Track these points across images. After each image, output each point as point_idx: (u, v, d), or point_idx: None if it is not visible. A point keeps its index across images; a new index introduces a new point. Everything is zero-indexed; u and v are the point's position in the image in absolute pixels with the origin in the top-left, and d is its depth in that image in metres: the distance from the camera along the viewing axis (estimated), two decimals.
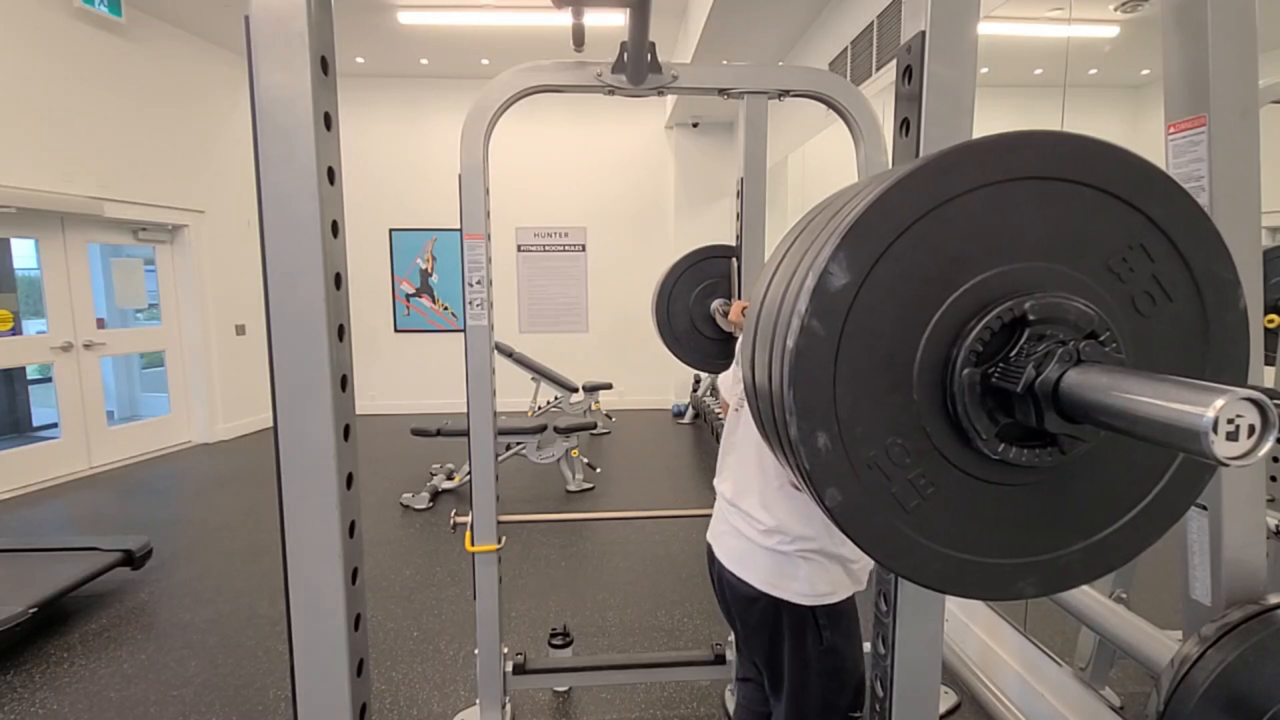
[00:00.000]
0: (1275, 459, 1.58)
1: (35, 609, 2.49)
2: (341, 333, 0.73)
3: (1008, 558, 0.51)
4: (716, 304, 2.09)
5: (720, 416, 4.17)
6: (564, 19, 1.38)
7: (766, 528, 1.31)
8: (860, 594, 1.37)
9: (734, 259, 1.99)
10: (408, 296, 7.19)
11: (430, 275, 7.17)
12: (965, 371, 0.48)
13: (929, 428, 0.49)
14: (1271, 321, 1.49)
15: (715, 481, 1.51)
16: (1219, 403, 0.36)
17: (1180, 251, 0.50)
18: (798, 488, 1.27)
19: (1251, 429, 0.36)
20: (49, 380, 4.93)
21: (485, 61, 6.31)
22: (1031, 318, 0.47)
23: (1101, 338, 0.47)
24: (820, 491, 0.48)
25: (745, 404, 1.43)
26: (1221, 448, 0.36)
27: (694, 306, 2.10)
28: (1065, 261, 0.49)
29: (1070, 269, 0.49)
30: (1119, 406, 0.41)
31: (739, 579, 1.35)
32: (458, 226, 1.75)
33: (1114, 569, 0.53)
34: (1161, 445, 0.39)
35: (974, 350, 0.48)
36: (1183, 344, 0.51)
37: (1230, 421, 0.36)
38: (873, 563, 1.36)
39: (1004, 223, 0.48)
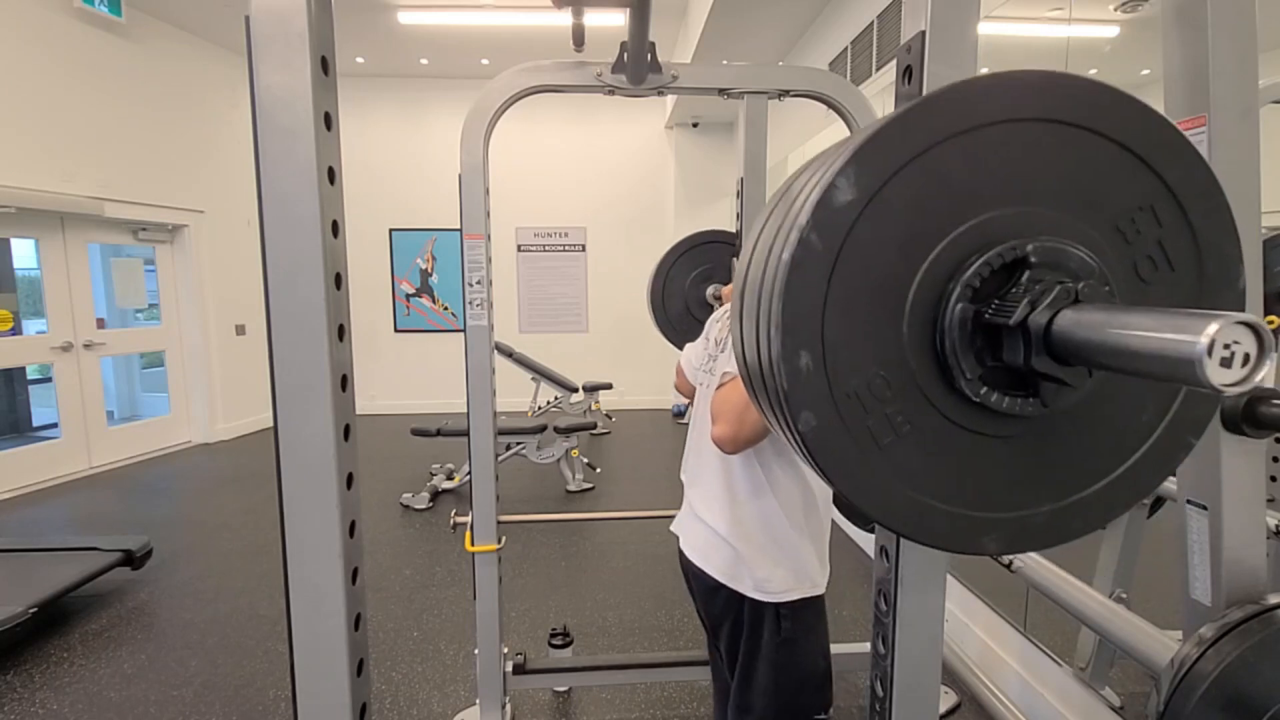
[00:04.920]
0: (1275, 459, 1.58)
1: (35, 609, 2.49)
2: (341, 333, 0.73)
3: (974, 510, 0.51)
4: (711, 289, 2.07)
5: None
6: (564, 19, 1.38)
7: (727, 519, 1.30)
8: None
9: (734, 256, 1.99)
10: (408, 296, 7.19)
11: (430, 275, 7.17)
12: (959, 306, 0.47)
13: (914, 364, 0.48)
14: (1272, 322, 1.49)
15: (681, 472, 1.50)
16: (1213, 328, 0.35)
17: (1190, 221, 0.49)
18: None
19: (1247, 357, 0.35)
20: (49, 380, 4.93)
21: (485, 61, 6.31)
22: (1033, 260, 0.46)
23: (1105, 289, 0.47)
24: (794, 414, 0.47)
25: (706, 388, 1.40)
26: (1216, 374, 0.35)
27: (689, 290, 2.09)
28: (1076, 213, 0.48)
29: (1079, 221, 0.48)
30: (1112, 342, 0.40)
31: (701, 570, 1.34)
32: (458, 226, 1.75)
33: (1076, 537, 0.53)
34: (1157, 378, 0.39)
35: (970, 285, 0.47)
36: None
37: (1226, 347, 0.35)
38: (828, 567, 1.35)
39: (1023, 163, 0.47)
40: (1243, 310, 0.50)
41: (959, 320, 0.47)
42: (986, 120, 0.46)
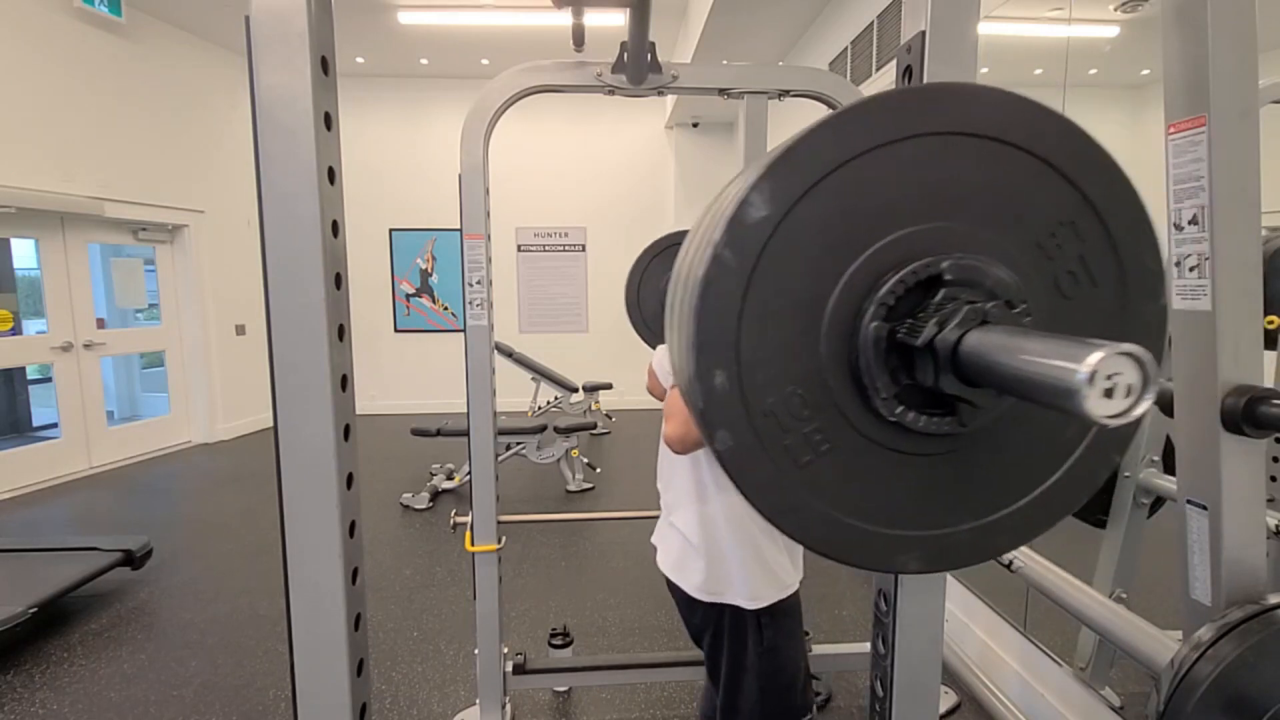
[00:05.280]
0: (1275, 459, 1.58)
1: (35, 609, 2.48)
2: (341, 333, 0.73)
3: (894, 529, 0.50)
4: None
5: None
6: (564, 19, 1.38)
7: (696, 521, 1.30)
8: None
9: None
10: (408, 296, 7.19)
11: (430, 275, 7.17)
12: (872, 325, 0.47)
13: (832, 382, 0.48)
14: (1271, 323, 1.49)
15: (657, 480, 1.49)
16: (1094, 358, 0.34)
17: (1111, 235, 0.49)
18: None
19: (1130, 388, 0.35)
20: (49, 380, 4.93)
21: (485, 61, 6.31)
22: (948, 278, 0.46)
23: (1017, 308, 0.46)
24: (711, 433, 0.47)
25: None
26: (1098, 406, 0.35)
27: (666, 290, 2.06)
28: (996, 228, 0.48)
29: (1000, 237, 0.48)
30: (1009, 367, 0.40)
31: (676, 585, 1.34)
32: (458, 226, 1.75)
33: (999, 555, 0.52)
34: (1047, 406, 0.38)
35: (884, 304, 0.46)
36: (1100, 331, 0.49)
37: (1109, 378, 0.35)
38: (800, 567, 1.34)
39: (941, 178, 0.47)
40: (1164, 325, 0.50)
41: (873, 339, 0.47)
42: (901, 134, 0.46)
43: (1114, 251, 0.49)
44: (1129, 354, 0.35)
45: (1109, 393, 0.35)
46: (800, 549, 1.34)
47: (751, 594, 1.26)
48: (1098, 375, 0.34)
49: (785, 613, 1.30)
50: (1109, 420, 0.35)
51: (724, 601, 1.27)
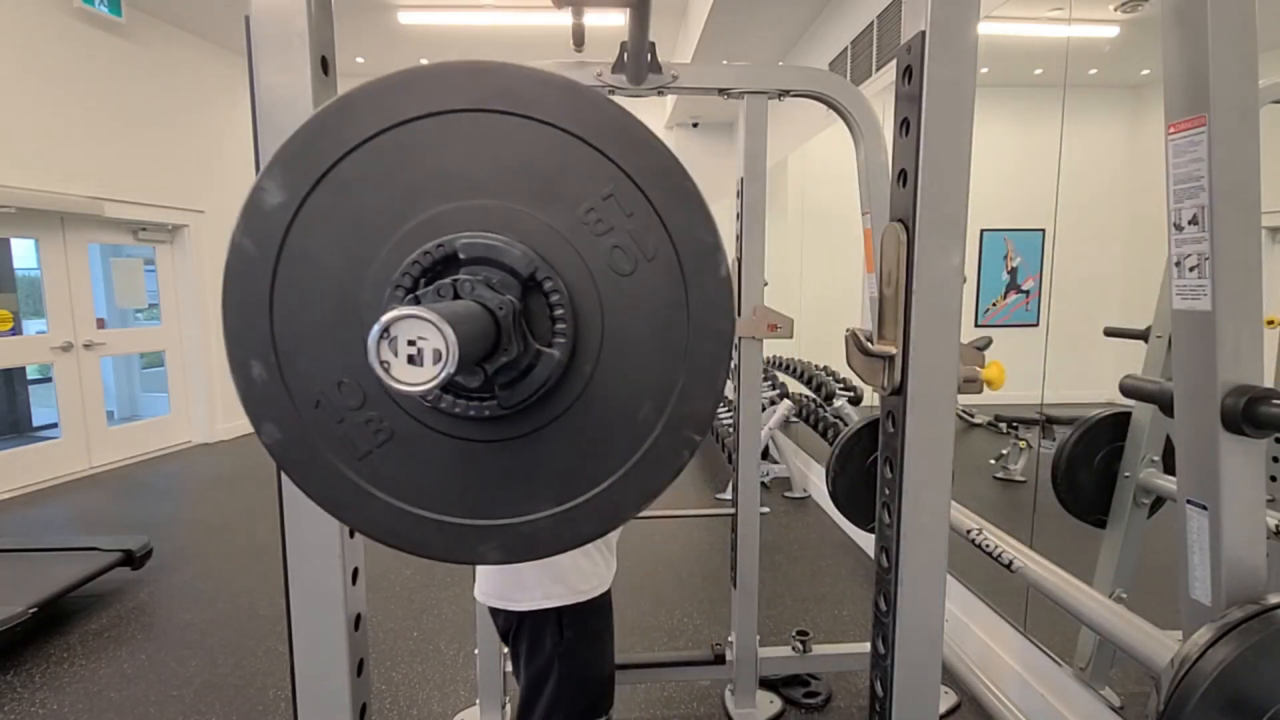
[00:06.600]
0: (1275, 459, 1.58)
1: (35, 609, 2.48)
2: None
3: (469, 519, 0.49)
4: None
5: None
6: (564, 19, 1.38)
7: None
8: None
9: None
10: None
11: None
12: (390, 308, 0.46)
13: None
14: (1271, 323, 1.49)
15: None
16: (389, 315, 0.33)
17: (656, 210, 0.47)
18: None
19: (438, 353, 0.33)
20: (49, 380, 4.93)
21: None
22: (462, 256, 0.44)
23: (546, 286, 0.45)
24: (257, 426, 0.46)
25: None
26: (402, 373, 0.33)
27: None
28: (531, 205, 0.46)
29: (539, 213, 0.46)
30: None
31: (481, 597, 1.31)
32: None
33: (585, 542, 0.50)
34: None
35: (401, 285, 0.44)
36: (665, 306, 0.47)
37: (412, 344, 0.33)
38: (614, 563, 1.30)
39: (468, 156, 0.45)
40: (729, 298, 0.47)
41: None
42: (415, 113, 0.44)
43: (663, 225, 0.47)
44: (420, 317, 0.32)
45: (416, 359, 0.33)
46: (612, 547, 1.31)
47: (550, 592, 1.23)
48: (398, 341, 0.33)
49: (590, 612, 1.26)
50: (411, 388, 0.34)
51: (522, 606, 1.25)
